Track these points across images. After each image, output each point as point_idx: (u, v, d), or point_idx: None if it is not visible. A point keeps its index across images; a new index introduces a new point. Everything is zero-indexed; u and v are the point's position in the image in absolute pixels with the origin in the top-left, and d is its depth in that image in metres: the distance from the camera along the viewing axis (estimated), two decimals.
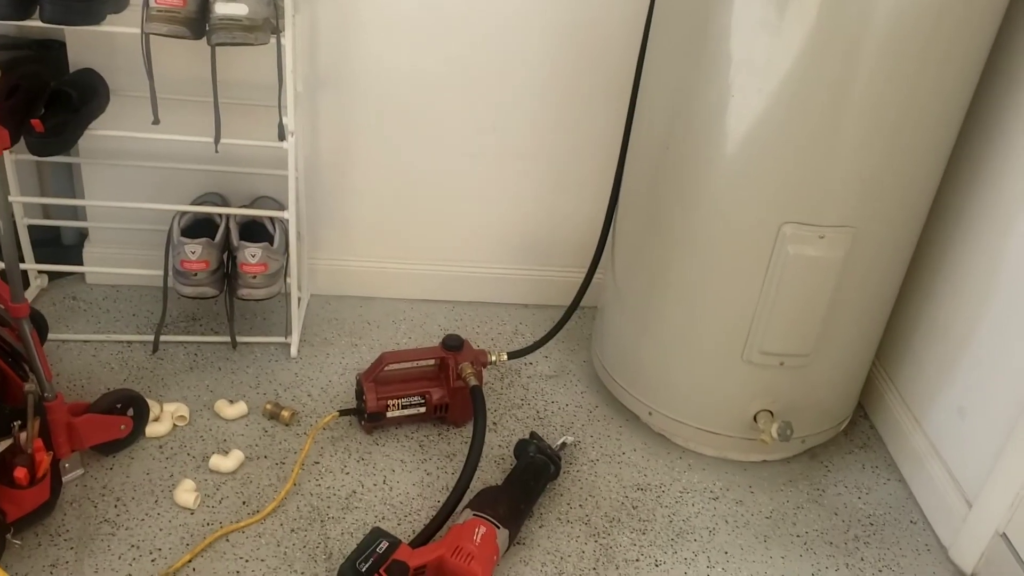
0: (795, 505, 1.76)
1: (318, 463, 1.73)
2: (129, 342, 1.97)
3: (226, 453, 1.70)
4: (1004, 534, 1.58)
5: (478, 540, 1.47)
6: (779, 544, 1.67)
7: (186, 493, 1.60)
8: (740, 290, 1.62)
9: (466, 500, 1.58)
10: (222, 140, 1.75)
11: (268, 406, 1.81)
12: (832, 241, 1.54)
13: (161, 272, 1.88)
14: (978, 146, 1.70)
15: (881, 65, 1.40)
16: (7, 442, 1.44)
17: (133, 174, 2.04)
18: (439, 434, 1.83)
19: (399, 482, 1.71)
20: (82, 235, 2.15)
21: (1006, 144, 1.63)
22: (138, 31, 1.60)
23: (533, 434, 1.76)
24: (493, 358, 1.88)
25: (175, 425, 1.77)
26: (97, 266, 2.10)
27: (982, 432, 1.64)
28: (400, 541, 1.47)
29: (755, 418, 1.72)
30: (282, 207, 1.96)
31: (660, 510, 1.71)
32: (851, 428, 1.97)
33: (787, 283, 1.58)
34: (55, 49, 1.93)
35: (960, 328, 1.72)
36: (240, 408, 1.81)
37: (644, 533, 1.66)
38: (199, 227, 1.90)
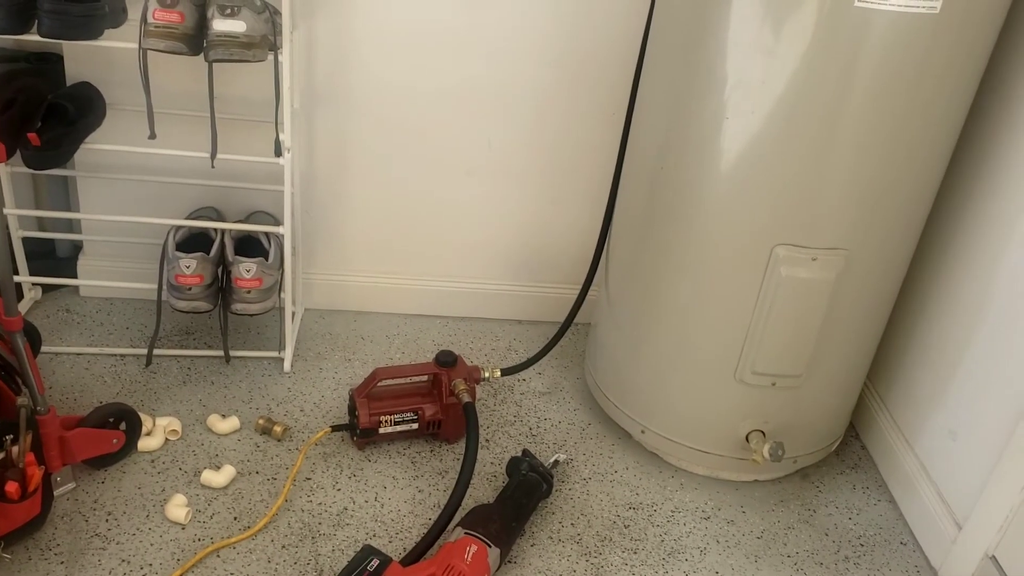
0: (786, 525, 1.77)
1: (310, 479, 1.73)
2: (122, 356, 1.97)
3: (218, 468, 1.70)
4: (993, 556, 1.58)
5: (469, 559, 1.47)
6: (770, 564, 1.68)
7: (177, 508, 1.60)
8: (733, 310, 1.62)
9: (458, 518, 1.58)
10: (218, 155, 1.76)
11: (260, 421, 1.81)
12: (824, 263, 1.55)
13: (155, 286, 1.88)
14: (971, 169, 1.71)
15: (875, 88, 1.41)
16: None
17: (129, 188, 2.04)
18: (431, 450, 1.83)
19: (391, 499, 1.71)
20: (76, 248, 2.15)
21: (998, 166, 1.64)
22: (136, 46, 1.61)
23: (526, 451, 1.76)
24: (486, 374, 1.88)
25: (167, 439, 1.77)
26: (91, 279, 2.10)
27: (973, 454, 1.65)
28: (391, 559, 1.47)
29: (747, 438, 1.73)
30: (277, 222, 1.96)
31: (652, 529, 1.71)
32: (842, 449, 1.97)
33: (779, 304, 1.58)
34: (52, 62, 1.94)
35: (952, 350, 1.73)
36: (232, 423, 1.81)
37: (636, 552, 1.66)
38: (194, 241, 1.90)
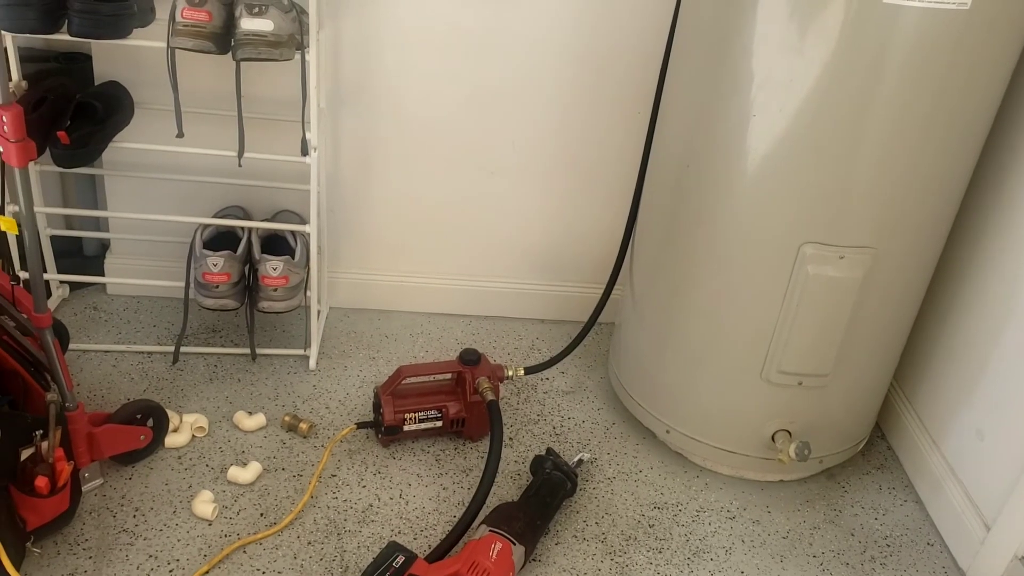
0: (812, 525, 1.76)
1: (335, 476, 1.73)
2: (149, 353, 1.98)
3: (244, 465, 1.71)
4: (1023, 558, 1.57)
5: (494, 556, 1.47)
6: (795, 564, 1.67)
7: (204, 504, 1.61)
8: (759, 309, 1.62)
9: (482, 515, 1.59)
10: (245, 154, 1.77)
11: (286, 418, 1.81)
12: (852, 261, 1.54)
13: (182, 284, 1.89)
14: (999, 166, 1.70)
15: (902, 85, 1.40)
16: (29, 451, 1.45)
17: (156, 186, 2.05)
18: (455, 448, 1.83)
19: (415, 496, 1.71)
20: (104, 246, 2.17)
21: None
22: (164, 45, 1.62)
23: (550, 450, 1.76)
24: (510, 373, 1.88)
25: (194, 436, 1.78)
26: (118, 277, 2.12)
27: (1001, 454, 1.63)
28: (416, 556, 1.47)
29: (773, 437, 1.72)
30: (303, 221, 1.97)
31: (677, 529, 1.71)
32: (868, 449, 1.96)
33: (806, 303, 1.57)
34: (81, 62, 1.95)
35: (979, 349, 1.72)
36: (259, 420, 1.82)
37: (660, 552, 1.66)
38: (221, 240, 1.91)
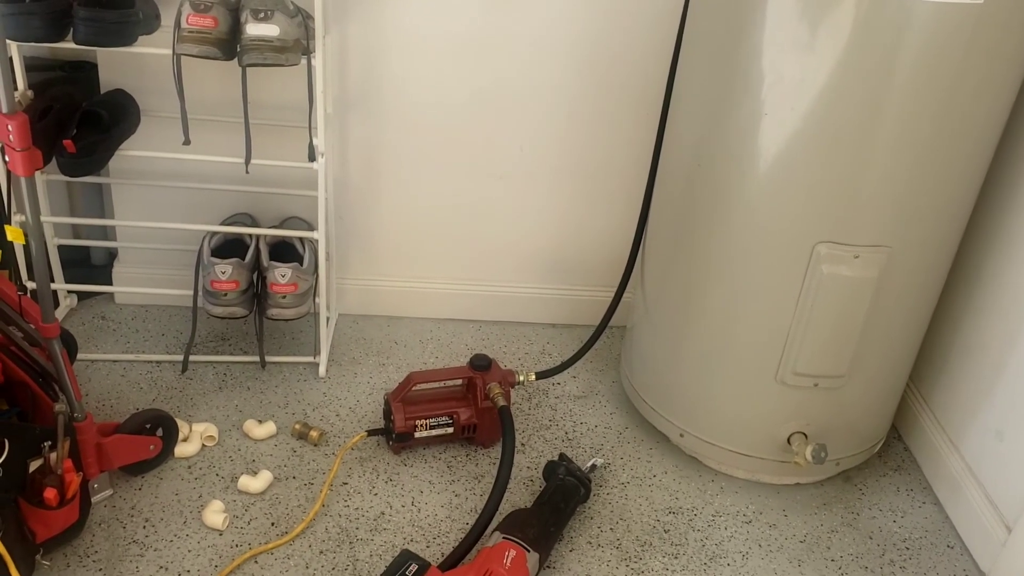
0: (829, 529, 1.73)
1: (346, 484, 1.72)
2: (158, 362, 1.97)
3: (255, 474, 1.70)
4: None
5: (508, 564, 1.46)
6: (813, 568, 1.65)
7: (215, 514, 1.60)
8: (773, 310, 1.60)
9: (495, 522, 1.57)
10: (252, 161, 1.76)
11: (297, 426, 1.80)
12: (867, 261, 1.52)
13: (190, 292, 1.88)
14: (1014, 163, 1.68)
15: (916, 81, 1.38)
16: (37, 462, 1.44)
17: (163, 194, 2.04)
18: (467, 455, 1.82)
19: (427, 503, 1.70)
20: (112, 255, 2.16)
21: None
22: (170, 52, 1.61)
23: (562, 456, 1.74)
24: (521, 378, 1.87)
25: (204, 445, 1.77)
26: (126, 286, 2.11)
27: (1021, 455, 1.61)
28: (429, 564, 1.46)
29: (788, 440, 1.70)
30: (312, 227, 1.95)
31: (692, 534, 1.69)
32: (885, 450, 1.94)
33: (821, 303, 1.56)
34: (87, 70, 1.95)
35: (997, 348, 1.70)
36: (269, 428, 1.81)
37: (676, 557, 1.64)
38: (229, 247, 1.90)
